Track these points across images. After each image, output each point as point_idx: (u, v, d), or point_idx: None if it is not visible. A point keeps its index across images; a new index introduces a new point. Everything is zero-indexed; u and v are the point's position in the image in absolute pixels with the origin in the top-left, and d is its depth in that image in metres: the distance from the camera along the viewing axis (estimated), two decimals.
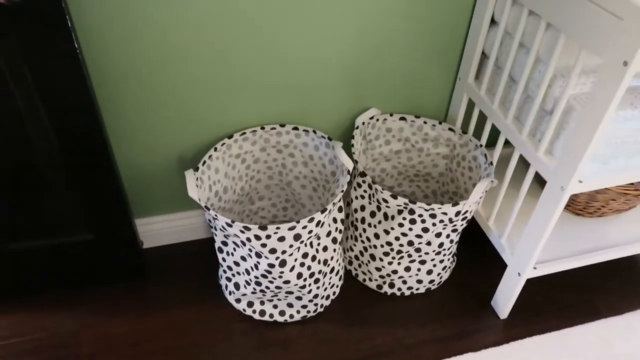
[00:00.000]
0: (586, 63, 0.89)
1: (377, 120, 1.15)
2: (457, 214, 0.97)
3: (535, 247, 0.96)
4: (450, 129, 1.14)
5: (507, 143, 1.32)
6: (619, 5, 0.69)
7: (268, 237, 0.87)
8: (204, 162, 1.00)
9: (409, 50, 1.09)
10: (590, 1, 0.74)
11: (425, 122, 1.16)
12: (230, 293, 1.09)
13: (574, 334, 1.11)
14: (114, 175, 0.95)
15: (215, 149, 1.03)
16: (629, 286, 1.22)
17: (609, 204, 1.11)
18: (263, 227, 0.86)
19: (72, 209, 0.99)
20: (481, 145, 1.08)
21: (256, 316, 1.08)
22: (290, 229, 0.87)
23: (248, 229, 0.86)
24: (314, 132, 1.08)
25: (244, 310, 1.09)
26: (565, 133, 0.88)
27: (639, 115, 0.86)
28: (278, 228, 0.86)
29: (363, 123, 1.13)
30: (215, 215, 0.88)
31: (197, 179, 0.96)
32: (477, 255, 1.27)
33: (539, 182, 1.24)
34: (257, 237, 0.87)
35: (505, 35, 1.00)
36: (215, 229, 0.99)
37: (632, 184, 1.06)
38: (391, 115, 1.16)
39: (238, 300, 1.09)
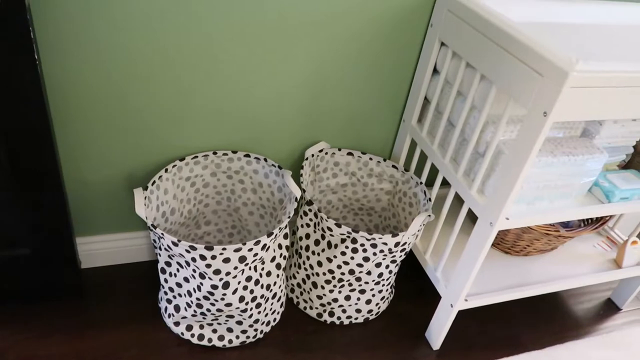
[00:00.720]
0: (515, 113, 1.00)
1: (326, 153, 1.21)
2: (397, 244, 1.03)
3: (467, 279, 1.03)
4: (393, 166, 1.22)
5: (444, 182, 1.41)
6: (540, 63, 0.79)
7: (213, 257, 0.89)
8: (154, 182, 1.01)
9: (359, 92, 1.16)
10: (517, 58, 0.84)
11: (371, 159, 1.23)
12: (169, 316, 1.08)
13: None
14: (60, 190, 0.94)
15: (166, 170, 1.04)
16: (550, 321, 1.31)
17: (533, 243, 1.20)
18: (209, 247, 0.87)
19: (11, 223, 0.97)
20: (421, 183, 1.15)
21: (194, 340, 1.07)
22: (236, 250, 0.89)
23: (194, 248, 0.87)
24: (265, 160, 1.12)
25: (182, 333, 1.08)
26: (495, 174, 0.97)
27: (558, 163, 0.96)
28: (224, 249, 0.88)
29: (312, 155, 1.18)
30: (162, 233, 0.88)
31: (145, 198, 0.97)
32: (415, 288, 1.33)
33: (472, 220, 1.33)
34: (203, 257, 0.89)
35: (446, 84, 1.10)
36: (160, 249, 0.99)
37: (553, 225, 1.16)
38: (339, 149, 1.22)
39: (177, 324, 1.08)
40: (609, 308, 1.39)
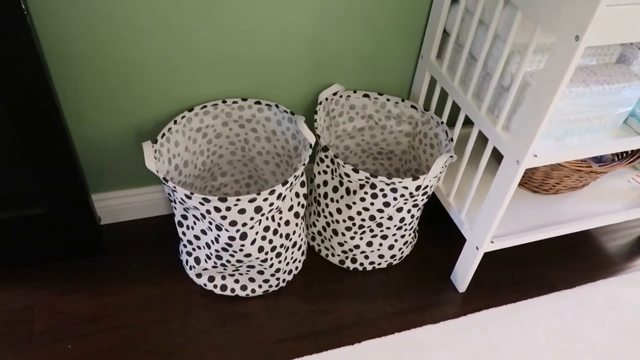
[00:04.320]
0: (543, 41, 0.92)
1: (341, 96, 1.15)
2: (418, 188, 0.99)
3: (493, 220, 0.99)
4: (412, 107, 1.15)
5: (467, 121, 1.34)
6: None
7: (228, 209, 0.87)
8: (163, 134, 0.98)
9: (372, 27, 1.09)
10: None
11: (388, 100, 1.16)
12: (190, 268, 1.08)
13: (528, 306, 1.15)
14: (67, 146, 0.92)
15: (175, 122, 1.01)
16: (581, 261, 1.27)
17: (564, 180, 1.14)
18: (223, 199, 0.85)
19: (23, 182, 0.96)
20: (442, 123, 1.09)
21: (217, 291, 1.08)
22: (251, 200, 0.87)
23: (208, 200, 0.85)
24: (277, 106, 1.07)
25: (205, 285, 1.08)
26: (521, 109, 0.90)
27: (590, 93, 0.89)
28: (238, 200, 0.86)
29: (326, 99, 1.13)
30: (174, 186, 0.86)
31: (155, 151, 0.95)
32: (438, 231, 1.30)
33: (497, 159, 1.27)
34: (217, 209, 0.87)
35: (466, 13, 1.01)
36: (175, 202, 0.97)
37: (584, 160, 1.09)
38: (355, 92, 1.16)
39: (199, 275, 1.08)
40: None
